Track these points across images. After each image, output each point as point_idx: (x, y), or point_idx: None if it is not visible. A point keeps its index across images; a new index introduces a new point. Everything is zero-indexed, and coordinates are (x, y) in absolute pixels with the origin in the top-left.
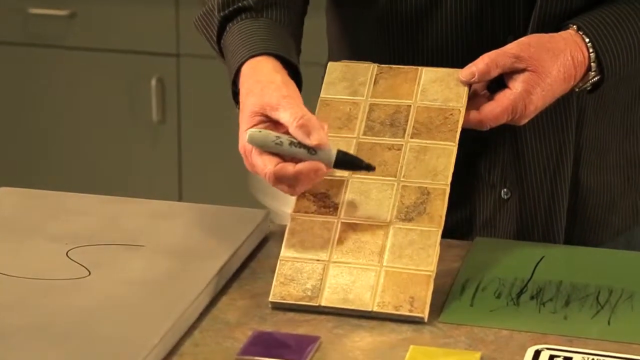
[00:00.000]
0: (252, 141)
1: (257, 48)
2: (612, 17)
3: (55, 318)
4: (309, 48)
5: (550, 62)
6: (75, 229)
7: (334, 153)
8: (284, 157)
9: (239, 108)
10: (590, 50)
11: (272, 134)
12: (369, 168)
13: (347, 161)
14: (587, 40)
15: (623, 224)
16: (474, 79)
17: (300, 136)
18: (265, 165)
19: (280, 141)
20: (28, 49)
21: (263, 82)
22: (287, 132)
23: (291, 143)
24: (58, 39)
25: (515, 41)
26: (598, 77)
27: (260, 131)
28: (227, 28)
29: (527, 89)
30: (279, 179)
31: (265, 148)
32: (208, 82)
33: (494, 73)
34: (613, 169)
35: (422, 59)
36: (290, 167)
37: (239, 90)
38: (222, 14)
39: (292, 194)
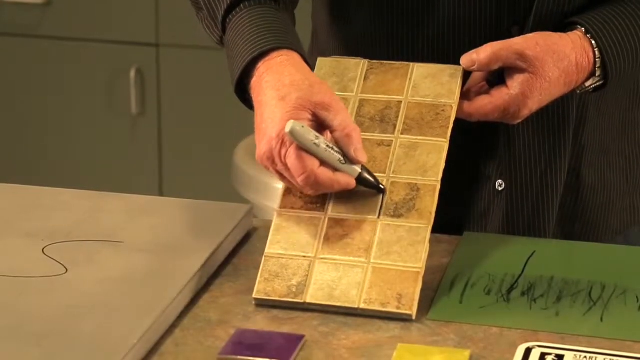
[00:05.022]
0: (293, 134)
1: (285, 41)
2: (619, 17)
3: (31, 317)
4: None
5: (553, 66)
6: (51, 224)
7: (358, 169)
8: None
9: (249, 94)
10: (597, 55)
11: (312, 132)
12: (381, 190)
13: (367, 179)
14: (594, 44)
15: (620, 225)
16: (473, 67)
17: (344, 144)
18: (305, 165)
19: (318, 142)
20: (1, 38)
21: (311, 79)
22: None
23: (327, 147)
24: (32, 28)
25: (523, 37)
26: (602, 82)
27: (302, 126)
28: (238, 9)
29: (524, 92)
30: (315, 183)
31: (301, 144)
32: (189, 73)
33: (495, 66)
34: (613, 168)
35: (422, 45)
36: (329, 173)
37: (251, 74)
38: None
39: (306, 193)
